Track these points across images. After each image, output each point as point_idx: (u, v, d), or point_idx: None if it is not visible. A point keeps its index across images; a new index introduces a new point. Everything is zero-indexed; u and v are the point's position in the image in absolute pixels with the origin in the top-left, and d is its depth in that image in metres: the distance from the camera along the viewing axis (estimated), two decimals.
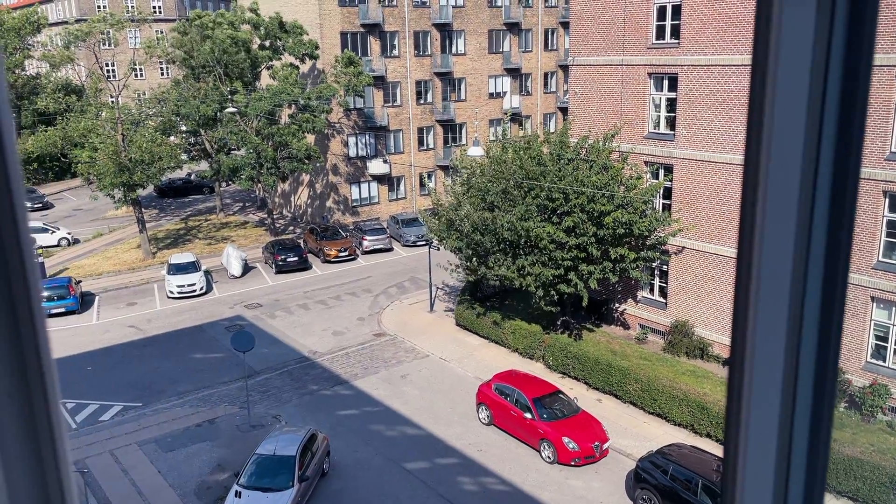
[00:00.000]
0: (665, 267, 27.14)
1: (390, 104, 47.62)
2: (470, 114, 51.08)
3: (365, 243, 41.10)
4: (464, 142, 50.52)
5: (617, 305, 29.16)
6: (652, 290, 28.17)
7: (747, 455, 0.80)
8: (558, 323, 27.78)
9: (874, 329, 21.84)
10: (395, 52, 47.32)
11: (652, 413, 22.98)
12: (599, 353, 24.87)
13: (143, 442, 22.52)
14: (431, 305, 32.68)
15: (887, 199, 20.98)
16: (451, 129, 50.62)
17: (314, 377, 26.84)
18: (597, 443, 20.70)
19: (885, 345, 21.70)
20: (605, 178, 24.43)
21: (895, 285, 20.92)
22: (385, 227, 43.71)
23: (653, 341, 27.54)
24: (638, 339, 27.76)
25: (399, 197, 49.22)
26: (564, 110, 53.32)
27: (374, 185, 47.92)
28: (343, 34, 44.79)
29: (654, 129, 26.91)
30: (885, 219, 21.11)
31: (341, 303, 34.11)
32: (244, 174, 40.99)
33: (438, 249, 31.00)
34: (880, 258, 21.37)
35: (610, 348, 25.51)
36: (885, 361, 21.76)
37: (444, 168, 49.60)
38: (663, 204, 26.87)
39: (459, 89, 50.62)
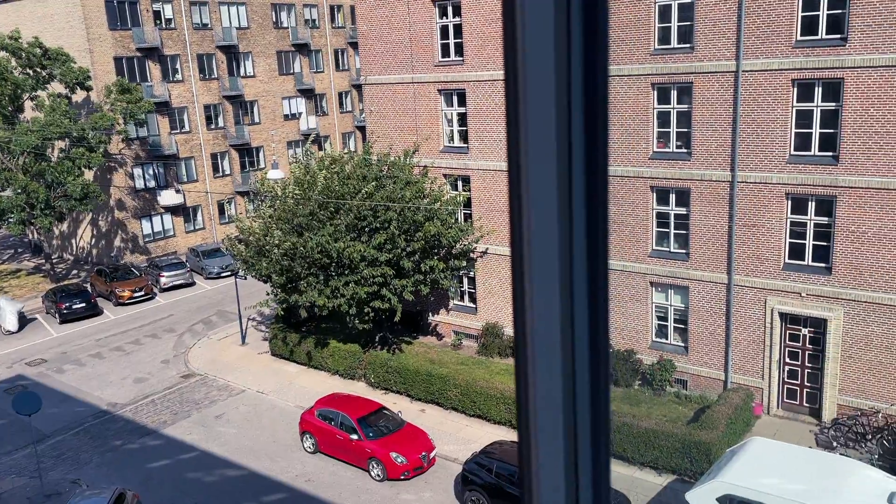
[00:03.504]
0: (472, 273, 28.29)
1: (178, 131, 45.12)
2: (266, 136, 49.85)
3: (163, 280, 38.44)
4: (262, 165, 49.15)
5: (432, 316, 29.88)
6: (462, 297, 29.21)
7: (538, 436, 0.85)
8: (377, 340, 27.86)
9: (656, 311, 24.36)
10: (179, 77, 44.95)
11: (473, 415, 23.77)
12: (419, 364, 25.30)
13: None
14: (243, 338, 31.31)
15: (655, 194, 23.53)
16: (247, 153, 49.05)
17: (116, 431, 24.53)
18: (424, 453, 20.99)
19: (666, 324, 24.29)
20: (411, 193, 24.99)
21: (668, 270, 23.51)
22: (184, 260, 41.21)
23: (468, 346, 28.55)
24: (454, 346, 28.63)
25: (197, 227, 46.70)
26: (363, 129, 53.86)
27: (167, 217, 45.04)
28: (118, 59, 41.72)
29: (450, 142, 28.00)
30: (654, 211, 23.65)
31: (141, 347, 31.58)
32: (13, 218, 36.61)
33: (245, 279, 29.79)
34: (654, 247, 23.91)
35: (428, 358, 26.05)
36: (667, 339, 24.33)
37: (244, 194, 47.90)
38: (465, 213, 28.03)
39: (252, 112, 49.23)
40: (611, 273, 24.67)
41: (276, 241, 25.25)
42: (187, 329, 33.43)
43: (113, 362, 30.05)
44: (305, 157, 28.43)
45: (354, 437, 21.41)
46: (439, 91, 27.54)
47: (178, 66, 44.83)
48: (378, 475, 20.88)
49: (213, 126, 46.89)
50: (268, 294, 27.80)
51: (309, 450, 22.60)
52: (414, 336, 29.08)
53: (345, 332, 28.12)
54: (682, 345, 23.97)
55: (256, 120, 49.40)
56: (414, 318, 29.46)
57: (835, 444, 20.24)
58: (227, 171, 47.96)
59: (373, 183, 25.02)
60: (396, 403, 24.76)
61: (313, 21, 52.63)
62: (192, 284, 39.47)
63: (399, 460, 20.56)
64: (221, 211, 47.56)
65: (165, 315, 35.47)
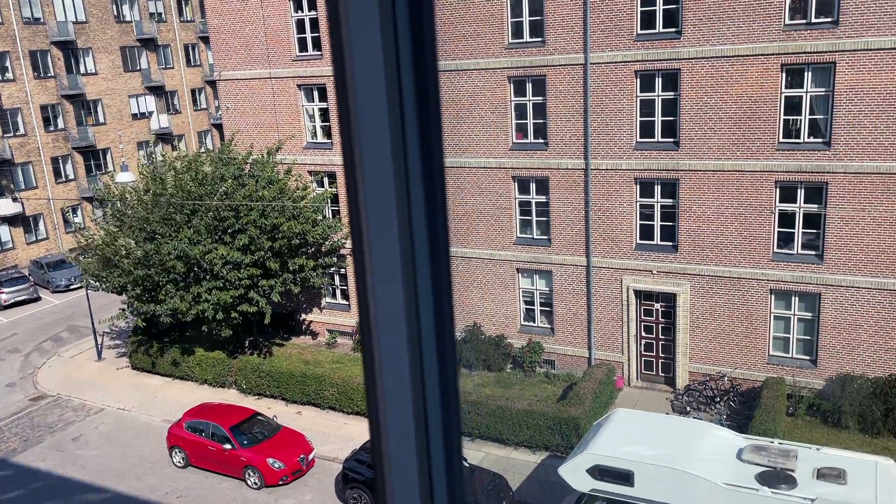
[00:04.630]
0: (343, 270, 28.01)
1: (11, 134, 41.33)
2: (113, 137, 46.73)
3: (3, 297, 35.19)
4: (111, 168, 46.05)
5: (303, 316, 29.30)
6: (335, 295, 28.86)
7: (388, 423, 0.86)
8: (246, 344, 26.96)
9: (523, 296, 25.23)
10: (10, 76, 41.15)
11: (351, 413, 23.60)
12: (292, 366, 24.75)
13: None
14: (99, 353, 29.27)
15: (517, 184, 24.33)
16: (93, 155, 45.77)
17: None
18: (302, 456, 20.60)
19: (533, 308, 25.22)
20: (273, 192, 24.29)
21: (532, 256, 24.41)
22: (27, 274, 37.89)
23: (342, 343, 28.26)
24: (328, 345, 28.25)
25: (40, 238, 43.06)
26: (220, 127, 51.72)
27: (4, 228, 41.20)
28: None
29: (313, 139, 27.52)
30: (517, 200, 24.45)
31: None
32: None
33: (98, 290, 27.85)
34: (518, 234, 24.73)
35: (302, 359, 25.55)
36: (534, 322, 25.29)
37: (91, 199, 44.68)
38: (333, 210, 27.67)
39: (96, 112, 45.97)
40: (479, 261, 25.30)
41: (125, 251, 23.75)
42: (34, 348, 30.79)
43: None
44: (151, 158, 26.90)
45: (228, 446, 20.64)
46: (299, 86, 26.97)
47: (7, 63, 41.02)
48: (255, 483, 20.27)
49: (52, 128, 43.35)
50: (123, 305, 26.13)
51: (179, 465, 21.54)
52: (286, 338, 28.41)
53: (211, 339, 26.99)
54: (549, 326, 25.00)
55: (101, 120, 46.18)
56: (285, 320, 28.76)
57: (688, 408, 21.89)
58: (71, 176, 44.55)
59: (229, 182, 24.09)
60: (271, 408, 24.11)
61: (159, 14, 49.86)
62: (37, 300, 36.39)
63: (276, 466, 20.06)
64: (66, 220, 44.11)
65: (8, 335, 32.48)
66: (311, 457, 20.92)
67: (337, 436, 22.60)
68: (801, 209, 20.62)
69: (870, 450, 18.73)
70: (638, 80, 21.82)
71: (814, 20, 19.36)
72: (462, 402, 21.14)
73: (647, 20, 21.38)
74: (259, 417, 21.85)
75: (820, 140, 20.04)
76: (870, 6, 18.57)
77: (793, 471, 14.42)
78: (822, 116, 19.93)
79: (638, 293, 23.28)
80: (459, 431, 0.91)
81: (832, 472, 14.23)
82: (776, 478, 14.25)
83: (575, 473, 15.70)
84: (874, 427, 19.67)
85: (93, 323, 29.02)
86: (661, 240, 22.68)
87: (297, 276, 25.27)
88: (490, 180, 24.47)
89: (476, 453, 20.75)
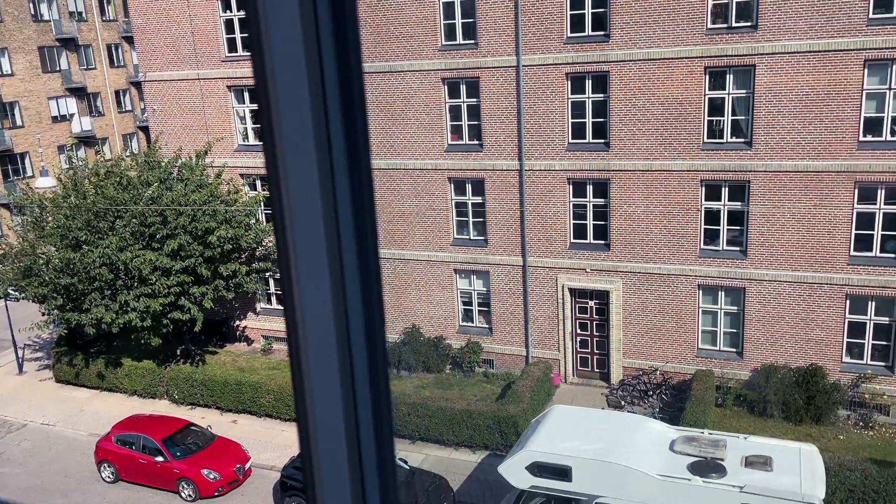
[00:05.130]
0: (278, 275, 27.52)
1: None
2: (32, 141, 44.69)
3: None
4: (30, 173, 44.04)
5: (237, 322, 28.65)
6: (269, 300, 28.33)
7: (318, 427, 0.84)
8: (178, 353, 26.17)
9: (461, 296, 25.33)
10: None
11: (288, 420, 23.20)
12: (227, 374, 24.18)
13: None
14: (20, 366, 27.91)
15: (453, 185, 24.42)
16: (10, 160, 43.66)
17: None
18: (239, 465, 20.14)
19: (471, 308, 25.35)
20: (203, 196, 23.67)
21: (469, 257, 24.54)
22: None
23: (278, 349, 27.77)
24: (264, 351, 27.71)
25: None
26: (146, 129, 50.09)
27: None
28: None
29: (244, 141, 26.95)
30: (453, 201, 24.54)
31: None
32: None
33: (18, 300, 26.55)
34: (455, 236, 24.82)
35: (237, 366, 24.98)
36: (473, 322, 25.43)
37: (9, 206, 42.60)
38: (267, 214, 27.15)
39: (13, 114, 43.87)
40: (416, 263, 25.27)
41: (45, 259, 22.73)
42: None
43: None
44: (72, 162, 25.83)
45: (160, 459, 19.99)
46: (229, 87, 26.38)
47: None
48: (189, 495, 19.69)
49: None
50: (43, 314, 24.96)
51: (108, 479, 20.74)
52: (220, 345, 27.74)
53: (141, 348, 26.11)
54: (487, 326, 25.17)
55: (19, 123, 44.10)
56: (219, 326, 28.07)
57: (623, 403, 22.41)
58: None
59: (154, 186, 23.34)
60: (205, 418, 23.48)
61: (80, 13, 47.97)
62: None
63: (211, 476, 19.55)
64: None
65: None
66: (247, 466, 20.46)
67: (274, 443, 22.18)
68: (726, 207, 21.38)
69: (793, 437, 19.58)
70: (569, 82, 22.22)
71: (734, 24, 20.12)
72: (402, 405, 21.06)
73: (577, 23, 21.79)
74: (192, 428, 21.25)
75: (742, 140, 20.83)
76: (786, 11, 19.42)
77: (722, 460, 14.92)
78: (743, 117, 20.72)
79: (573, 291, 23.69)
80: (392, 433, 0.90)
81: (759, 459, 14.79)
82: (707, 467, 14.71)
83: (514, 471, 15.84)
84: (797, 415, 20.56)
85: (13, 335, 27.66)
86: (594, 238, 23.15)
87: (230, 282, 24.69)
88: (426, 182, 24.48)
89: (417, 455, 20.71)
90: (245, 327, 28.61)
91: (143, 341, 24.45)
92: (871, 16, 18.80)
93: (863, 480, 16.62)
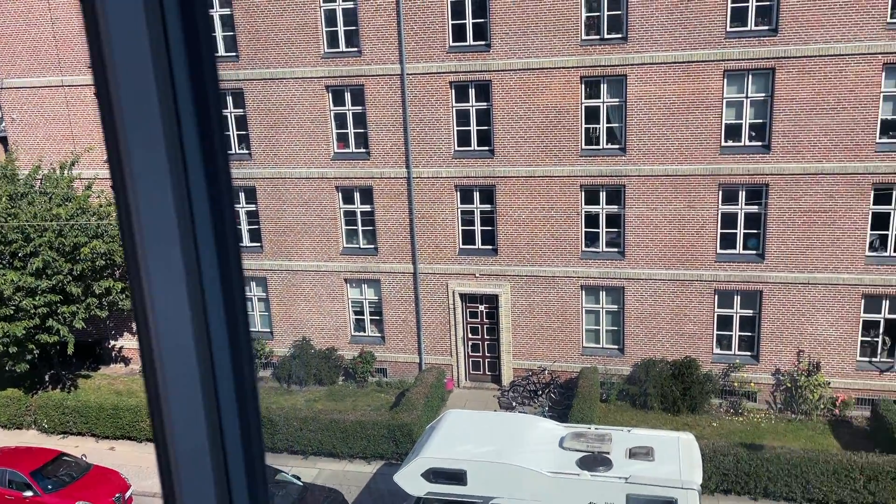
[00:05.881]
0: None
1: None
2: None
3: None
4: None
5: (113, 343, 27.02)
6: None
7: (178, 450, 0.81)
8: (47, 379, 24.35)
9: (352, 306, 25.06)
10: None
11: None
12: (102, 398, 22.73)
13: None
14: None
15: (340, 194, 24.15)
16: None
17: None
18: (118, 494, 18.95)
19: (363, 317, 25.14)
20: (70, 209, 22.17)
21: (360, 266, 24.34)
22: None
23: None
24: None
25: None
26: (4, 140, 46.45)
27: None
28: None
29: None
30: (342, 210, 24.27)
31: None
32: None
33: None
34: (345, 245, 24.55)
35: (114, 390, 23.57)
36: (365, 332, 25.22)
37: None
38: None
39: None
40: (305, 274, 24.79)
41: None
42: None
43: None
44: None
45: (29, 493, 18.50)
46: (96, 94, 24.88)
47: None
48: None
49: None
50: None
51: None
52: (94, 367, 26.06)
53: (3, 375, 24.10)
54: (380, 335, 25.04)
55: None
56: (92, 348, 26.37)
57: (514, 404, 22.89)
58: None
59: (4, 200, 21.65)
60: (79, 447, 21.96)
61: None
62: None
63: None
64: None
65: None
66: (128, 494, 19.30)
67: (157, 469, 21.01)
68: (604, 210, 22.35)
69: (672, 427, 20.68)
70: (453, 90, 22.53)
71: (606, 36, 21.10)
72: (294, 420, 20.55)
73: (459, 33, 22.16)
74: (65, 458, 19.81)
75: (616, 146, 21.85)
76: (653, 24, 20.57)
77: (608, 453, 15.52)
78: (617, 124, 21.74)
79: (463, 296, 23.99)
80: (262, 451, 0.85)
81: (642, 450, 15.50)
82: (594, 461, 15.27)
83: (410, 479, 15.80)
84: (675, 406, 21.73)
85: None
86: (483, 244, 23.56)
87: (104, 300, 23.26)
88: (313, 190, 24.09)
89: (311, 470, 20.25)
90: (121, 348, 27.03)
91: (6, 368, 22.60)
92: (728, 29, 20.25)
93: (735, 464, 17.78)
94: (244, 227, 25.35)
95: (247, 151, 24.52)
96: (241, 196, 25.01)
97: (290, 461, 20.54)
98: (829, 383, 21.30)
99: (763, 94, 20.51)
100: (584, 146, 21.99)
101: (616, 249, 22.54)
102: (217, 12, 23.76)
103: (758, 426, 21.12)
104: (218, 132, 0.75)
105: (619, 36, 21.00)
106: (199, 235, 0.74)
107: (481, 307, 24.10)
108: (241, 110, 24.22)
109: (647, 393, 21.94)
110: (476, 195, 23.20)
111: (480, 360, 24.60)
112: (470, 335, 24.43)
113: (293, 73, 23.22)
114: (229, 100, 24.36)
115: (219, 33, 23.95)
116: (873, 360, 21.37)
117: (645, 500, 14.57)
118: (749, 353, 22.33)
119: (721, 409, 22.06)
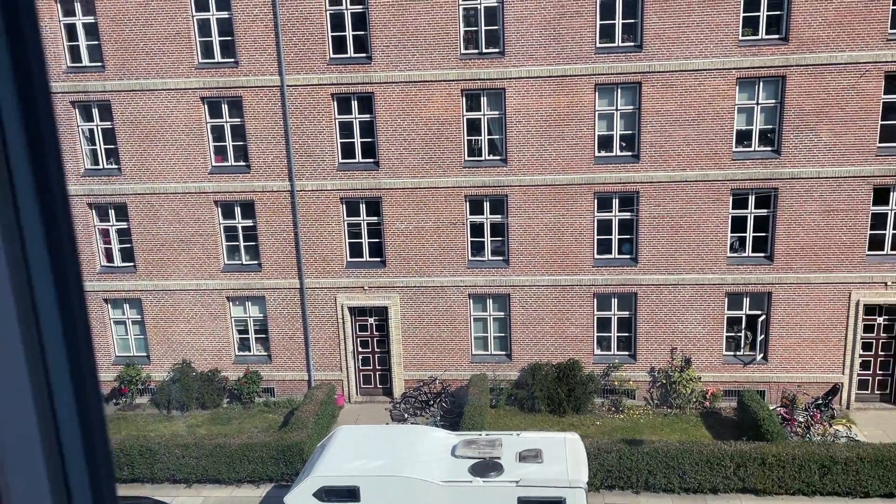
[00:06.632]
0: None
1: None
2: None
3: None
4: None
5: None
6: None
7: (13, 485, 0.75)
8: None
9: (235, 325, 24.22)
10: None
11: None
12: None
13: None
14: None
15: (220, 208, 23.32)
16: None
17: None
18: None
19: (247, 336, 24.34)
20: None
21: (243, 283, 23.57)
22: None
23: None
24: None
25: None
26: None
27: None
28: None
29: None
30: (221, 225, 23.44)
31: None
32: None
33: None
34: (226, 262, 23.71)
35: None
36: (250, 351, 24.43)
37: None
38: None
39: None
40: (184, 293, 23.73)
41: None
42: None
43: None
44: None
45: None
46: None
47: None
48: None
49: None
50: None
51: None
52: None
53: None
54: (266, 354, 24.33)
55: None
56: None
57: (406, 415, 22.87)
58: None
59: None
60: None
61: None
62: None
63: None
64: None
65: None
66: None
67: None
68: (489, 220, 22.84)
69: (559, 428, 21.36)
70: (335, 102, 22.35)
71: (485, 50, 21.63)
72: (175, 447, 19.57)
73: (339, 45, 22.03)
74: None
75: (497, 157, 22.41)
76: (529, 39, 21.30)
77: (499, 458, 15.81)
78: (498, 136, 22.31)
79: (352, 310, 23.75)
80: (112, 482, 0.80)
81: (531, 453, 15.90)
82: (486, 467, 15.50)
83: (301, 499, 15.43)
84: (560, 407, 22.46)
85: None
86: (370, 256, 23.44)
87: None
88: (190, 206, 23.13)
89: (194, 499, 19.33)
90: None
91: None
92: (598, 45, 21.29)
93: (618, 460, 18.58)
94: (115, 246, 23.96)
95: (116, 166, 23.22)
96: (111, 213, 23.64)
97: (171, 491, 19.53)
98: (700, 378, 22.73)
99: (631, 107, 21.69)
100: (467, 157, 22.39)
101: (501, 258, 23.07)
102: (80, 20, 22.41)
103: (637, 422, 22.18)
104: (53, 150, 0.71)
105: (497, 50, 21.59)
106: (33, 264, 0.69)
107: (371, 320, 23.95)
108: (109, 123, 22.93)
109: (534, 396, 22.54)
110: (362, 207, 23.08)
111: (371, 373, 24.42)
112: (360, 349, 24.21)
113: (165, 83, 22.26)
114: (95, 112, 23.00)
115: (82, 42, 22.58)
116: (737, 353, 23.02)
117: (535, 502, 14.94)
118: (627, 353, 23.44)
119: (603, 407, 23.01)
